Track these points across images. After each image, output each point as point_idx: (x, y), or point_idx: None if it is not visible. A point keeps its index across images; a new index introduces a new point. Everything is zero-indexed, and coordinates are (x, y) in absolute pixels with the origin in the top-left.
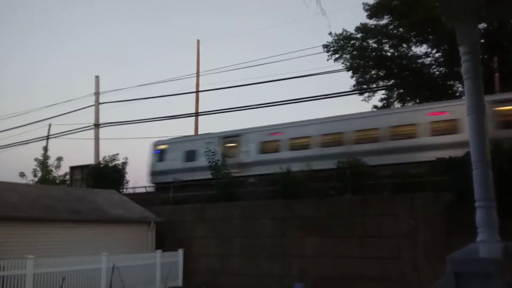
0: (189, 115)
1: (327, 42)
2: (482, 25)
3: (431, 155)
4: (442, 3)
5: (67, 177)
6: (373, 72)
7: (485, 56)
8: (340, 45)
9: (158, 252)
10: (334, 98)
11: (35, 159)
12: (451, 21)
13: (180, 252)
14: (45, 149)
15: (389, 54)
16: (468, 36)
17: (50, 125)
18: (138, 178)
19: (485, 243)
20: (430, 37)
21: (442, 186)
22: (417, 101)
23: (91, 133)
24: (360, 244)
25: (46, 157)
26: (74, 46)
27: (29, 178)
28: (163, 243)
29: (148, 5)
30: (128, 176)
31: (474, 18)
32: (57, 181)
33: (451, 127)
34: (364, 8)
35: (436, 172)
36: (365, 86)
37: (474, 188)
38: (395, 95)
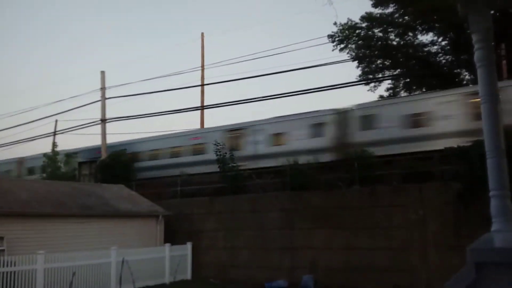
0: (195, 109)
1: (332, 32)
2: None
3: None
4: None
5: (76, 172)
6: (378, 61)
7: (492, 44)
8: (345, 35)
9: (167, 245)
10: (340, 88)
11: (44, 155)
12: (464, 9)
13: (189, 245)
14: (54, 144)
15: (394, 43)
16: (481, 24)
17: (56, 121)
18: None
19: (501, 232)
20: (436, 25)
21: (451, 176)
22: (424, 90)
23: (98, 128)
24: (369, 235)
25: (55, 153)
26: (79, 41)
27: (38, 174)
28: (171, 236)
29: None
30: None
31: (488, 5)
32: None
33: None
34: None
35: (445, 161)
36: (371, 76)
37: (489, 177)
38: (401, 85)
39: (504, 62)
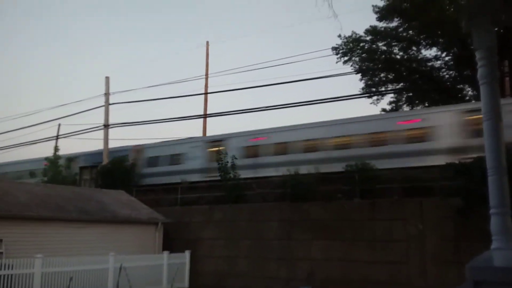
0: (198, 117)
1: (337, 44)
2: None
3: None
4: (460, 7)
5: (77, 177)
6: (382, 75)
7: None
8: (349, 48)
9: (165, 253)
10: (343, 101)
11: (46, 159)
12: (468, 25)
13: (187, 253)
14: (55, 148)
15: (398, 57)
16: (485, 41)
17: (59, 125)
18: None
19: (501, 250)
20: (440, 40)
21: (451, 191)
22: (426, 104)
23: (100, 134)
24: (368, 248)
25: (56, 157)
26: (84, 47)
27: (39, 178)
28: (170, 244)
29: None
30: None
31: (492, 22)
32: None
33: None
34: (374, 10)
35: (445, 176)
36: (374, 89)
37: (489, 194)
38: (404, 99)
39: (507, 79)
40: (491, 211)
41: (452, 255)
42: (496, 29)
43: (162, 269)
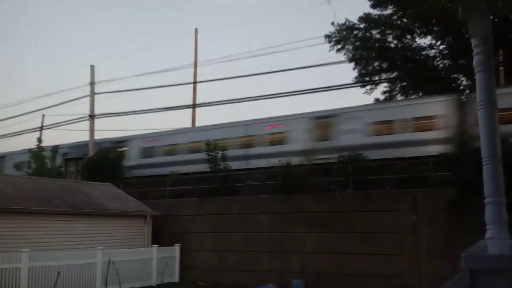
0: (186, 107)
1: (329, 32)
2: None
3: None
4: None
5: (62, 169)
6: (376, 63)
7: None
8: (342, 36)
9: (155, 247)
10: (336, 90)
11: (29, 150)
12: (464, 12)
13: (177, 247)
14: (39, 140)
15: (392, 45)
16: (481, 28)
17: (44, 115)
18: None
19: (495, 240)
20: (435, 28)
21: (445, 182)
22: (420, 94)
23: (86, 124)
24: (361, 240)
25: (40, 148)
26: (69, 35)
27: (23, 170)
28: (159, 237)
29: None
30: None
31: (488, 9)
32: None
33: None
34: None
35: (439, 167)
36: (367, 79)
37: (484, 184)
38: (397, 88)
39: (501, 68)
40: (486, 200)
41: (446, 247)
42: (491, 17)
43: (151, 263)
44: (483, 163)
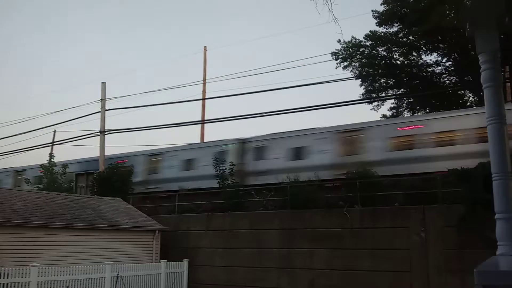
0: (195, 123)
1: (336, 49)
2: None
3: None
4: (465, 11)
5: (72, 184)
6: (382, 80)
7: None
8: (349, 53)
9: (163, 262)
10: (343, 106)
11: (41, 166)
12: (472, 29)
13: (186, 262)
14: (51, 155)
15: (398, 62)
16: (489, 44)
17: (55, 131)
18: None
19: (506, 256)
20: (441, 45)
21: (455, 198)
22: (427, 110)
23: (96, 140)
24: (370, 256)
25: (52, 164)
26: (80, 53)
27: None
28: (168, 252)
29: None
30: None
31: (496, 26)
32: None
33: None
34: (373, 15)
35: (448, 183)
36: (374, 95)
37: (494, 199)
38: (404, 104)
39: (508, 84)
40: (497, 216)
41: (455, 264)
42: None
43: (159, 279)
44: (493, 178)
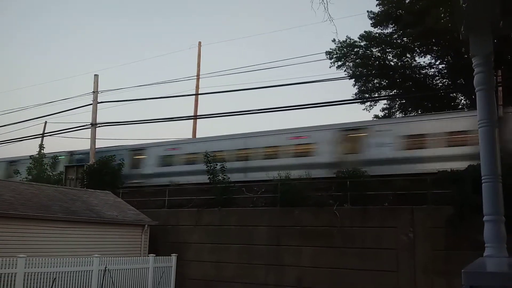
0: (188, 118)
1: (330, 49)
2: None
3: None
4: (459, 14)
5: (62, 176)
6: (375, 81)
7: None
8: (343, 53)
9: (151, 256)
10: (335, 106)
11: (30, 157)
12: (466, 32)
13: (174, 257)
14: (41, 147)
15: (392, 63)
16: (482, 48)
17: (46, 122)
18: None
19: (493, 258)
20: (434, 48)
21: (443, 200)
22: (419, 112)
23: (87, 132)
24: (358, 255)
25: (41, 155)
26: (73, 45)
27: (23, 176)
28: (156, 247)
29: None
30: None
31: (490, 29)
32: (54, 179)
33: None
34: (368, 16)
35: (437, 185)
36: (367, 95)
37: (483, 201)
38: (397, 105)
39: (500, 88)
40: (485, 218)
41: (442, 265)
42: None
43: (147, 273)
44: (483, 180)
